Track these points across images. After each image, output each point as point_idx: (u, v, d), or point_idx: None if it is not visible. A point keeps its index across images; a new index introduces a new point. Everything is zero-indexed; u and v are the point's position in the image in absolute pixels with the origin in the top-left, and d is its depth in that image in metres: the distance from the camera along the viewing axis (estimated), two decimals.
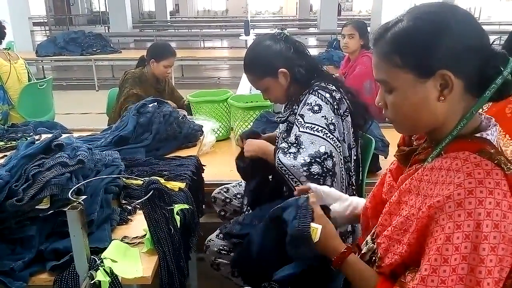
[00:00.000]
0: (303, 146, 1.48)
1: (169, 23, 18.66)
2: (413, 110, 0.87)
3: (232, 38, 13.46)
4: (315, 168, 1.45)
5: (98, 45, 7.58)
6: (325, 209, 1.17)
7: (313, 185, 1.24)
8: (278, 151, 1.53)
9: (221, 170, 2.20)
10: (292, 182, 1.49)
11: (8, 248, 1.16)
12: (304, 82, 1.62)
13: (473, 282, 0.75)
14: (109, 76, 8.32)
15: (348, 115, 1.59)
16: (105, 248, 1.14)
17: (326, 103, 1.53)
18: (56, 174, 1.20)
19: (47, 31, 16.66)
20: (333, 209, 1.20)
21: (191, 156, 1.86)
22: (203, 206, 1.87)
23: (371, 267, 0.97)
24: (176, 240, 1.24)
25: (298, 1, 24.43)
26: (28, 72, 3.47)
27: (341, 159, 1.55)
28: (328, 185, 1.45)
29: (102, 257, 1.09)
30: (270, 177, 1.69)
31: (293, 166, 1.46)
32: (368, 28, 3.39)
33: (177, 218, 1.29)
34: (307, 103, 1.54)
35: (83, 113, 5.83)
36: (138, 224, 1.32)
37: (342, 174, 1.57)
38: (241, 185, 1.99)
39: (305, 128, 1.50)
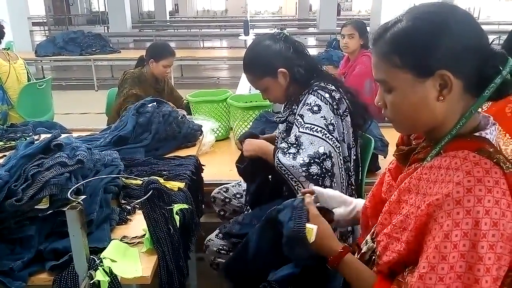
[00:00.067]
0: (302, 147, 1.48)
1: (168, 23, 18.66)
2: (412, 109, 0.87)
3: (231, 38, 13.47)
4: (314, 169, 1.45)
5: (98, 45, 7.59)
6: (326, 211, 1.17)
7: (317, 188, 1.24)
8: (278, 151, 1.53)
9: (220, 170, 2.20)
10: (292, 182, 1.49)
11: (8, 248, 1.15)
12: (304, 82, 1.62)
13: (471, 280, 0.75)
14: (109, 76, 8.33)
15: (347, 115, 1.59)
16: (104, 248, 1.14)
17: (326, 103, 1.53)
18: (55, 174, 1.19)
19: (46, 31, 16.66)
20: (338, 212, 1.20)
21: (190, 156, 1.86)
22: (203, 206, 1.87)
23: (371, 266, 0.97)
24: (176, 239, 1.24)
25: (297, 1, 24.44)
26: (27, 72, 3.47)
27: (340, 159, 1.55)
28: (327, 186, 1.45)
29: (101, 257, 1.09)
30: (270, 177, 1.69)
31: (292, 167, 1.46)
32: (368, 28, 3.40)
33: (177, 218, 1.29)
34: (307, 103, 1.54)
35: (82, 113, 5.83)
36: (138, 224, 1.32)
37: (342, 174, 1.57)
38: (240, 184, 1.99)
39: (304, 128, 1.50)
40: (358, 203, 1.21)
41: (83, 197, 1.05)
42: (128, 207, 1.39)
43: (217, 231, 1.74)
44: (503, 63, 0.82)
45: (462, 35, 0.82)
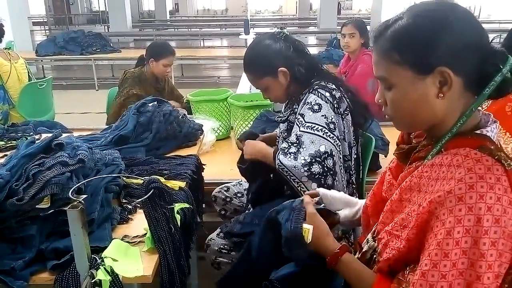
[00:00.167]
0: (303, 146, 1.48)
1: (168, 23, 18.65)
2: (412, 107, 0.88)
3: (231, 37, 13.46)
4: (316, 168, 1.45)
5: (98, 45, 7.59)
6: (329, 213, 1.17)
7: (321, 190, 1.24)
8: (279, 153, 1.52)
9: (221, 169, 2.20)
10: (294, 183, 1.49)
11: (9, 247, 1.16)
12: (304, 81, 1.62)
13: (473, 277, 0.75)
14: (109, 75, 8.32)
15: (348, 114, 1.59)
16: (105, 247, 1.14)
17: (326, 102, 1.53)
18: (56, 173, 1.20)
19: (46, 31, 16.64)
20: (343, 214, 1.20)
21: (191, 155, 1.86)
22: (203, 205, 1.87)
23: (372, 265, 0.97)
24: (177, 239, 1.24)
25: (297, 0, 24.42)
26: (28, 72, 3.47)
27: (340, 158, 1.55)
28: (329, 184, 1.45)
29: (102, 256, 1.10)
30: (272, 175, 1.69)
31: (294, 167, 1.46)
32: (368, 27, 3.39)
33: (178, 217, 1.29)
34: (307, 102, 1.54)
35: (83, 113, 5.83)
36: (139, 223, 1.32)
37: (342, 173, 1.57)
38: (241, 184, 1.99)
39: (305, 127, 1.50)
40: (362, 202, 1.21)
41: (84, 196, 1.05)
42: (129, 206, 1.39)
43: (218, 230, 1.74)
44: (503, 61, 0.82)
45: (462, 32, 0.82)
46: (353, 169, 1.64)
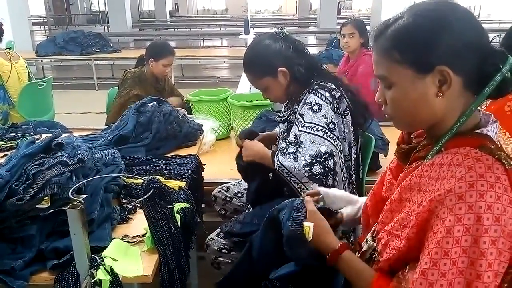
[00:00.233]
0: (303, 146, 1.48)
1: (168, 23, 18.65)
2: (412, 106, 0.88)
3: (231, 37, 13.45)
4: (317, 168, 1.45)
5: (98, 45, 7.59)
6: (330, 212, 1.17)
7: (322, 189, 1.24)
8: (277, 153, 1.52)
9: (221, 169, 2.20)
10: (293, 184, 1.49)
11: (9, 247, 1.16)
12: (304, 81, 1.62)
13: (473, 275, 0.75)
14: (109, 75, 8.32)
15: (348, 114, 1.59)
16: (105, 247, 1.14)
17: (326, 102, 1.53)
18: (56, 173, 1.20)
19: (46, 31, 16.63)
20: (346, 212, 1.20)
21: (191, 155, 1.86)
22: (203, 205, 1.87)
23: (372, 265, 0.97)
24: (177, 238, 1.24)
25: (297, 0, 24.42)
26: (28, 72, 3.47)
27: (341, 158, 1.55)
28: (330, 184, 1.45)
29: (102, 256, 1.10)
30: (271, 175, 1.69)
31: (295, 168, 1.46)
32: (368, 27, 3.39)
33: (178, 216, 1.29)
34: (307, 102, 1.54)
35: (83, 113, 5.83)
36: (139, 223, 1.32)
37: (343, 173, 1.57)
38: (241, 183, 1.99)
39: (305, 127, 1.50)
40: (362, 200, 1.21)
41: (84, 196, 1.05)
42: (129, 206, 1.39)
43: (218, 230, 1.74)
44: (503, 61, 0.82)
45: (462, 32, 0.82)
46: (353, 169, 1.64)
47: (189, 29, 16.50)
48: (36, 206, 1.16)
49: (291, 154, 1.49)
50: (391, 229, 0.89)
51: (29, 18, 10.86)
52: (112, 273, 1.06)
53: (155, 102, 2.04)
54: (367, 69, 3.04)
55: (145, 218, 1.20)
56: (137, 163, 1.75)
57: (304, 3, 22.29)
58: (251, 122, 2.43)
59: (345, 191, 1.53)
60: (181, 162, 1.77)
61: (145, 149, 1.86)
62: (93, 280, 1.03)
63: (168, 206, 1.25)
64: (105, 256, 1.10)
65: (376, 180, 1.11)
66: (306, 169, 1.45)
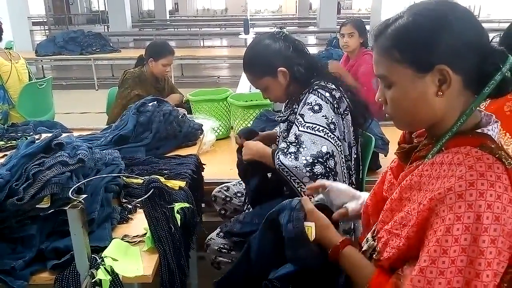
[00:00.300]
0: (303, 146, 1.48)
1: (168, 22, 18.65)
2: (412, 105, 0.88)
3: (231, 37, 13.46)
4: (318, 168, 1.45)
5: (98, 44, 7.59)
6: (325, 207, 1.17)
7: (328, 182, 1.23)
8: (278, 153, 1.52)
9: (221, 168, 2.20)
10: (294, 183, 1.49)
11: (9, 247, 1.16)
12: (304, 81, 1.62)
13: (472, 274, 0.75)
14: (109, 75, 8.32)
15: (348, 114, 1.59)
16: (105, 247, 1.14)
17: (326, 102, 1.53)
18: (56, 173, 1.20)
19: (46, 31, 16.62)
20: (351, 207, 1.20)
21: (191, 155, 1.87)
22: (203, 204, 1.87)
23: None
24: (177, 238, 1.24)
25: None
26: (29, 72, 3.47)
27: (342, 158, 1.55)
28: None
29: (102, 255, 1.10)
30: (269, 174, 1.70)
31: (296, 167, 1.46)
32: (368, 27, 3.39)
33: (178, 216, 1.29)
34: (307, 102, 1.54)
35: (83, 113, 5.83)
36: (139, 223, 1.32)
37: (344, 173, 1.57)
38: (241, 183, 1.99)
39: (305, 127, 1.50)
40: (364, 195, 1.21)
41: (84, 196, 1.05)
42: (129, 206, 1.39)
43: (218, 230, 1.74)
44: (503, 60, 0.82)
45: (462, 31, 0.82)
46: (353, 169, 1.64)
47: (189, 29, 16.50)
48: (36, 206, 1.16)
49: (292, 154, 1.49)
50: (391, 228, 0.89)
51: (29, 18, 10.86)
52: (112, 273, 1.06)
53: (155, 102, 2.04)
54: (368, 69, 3.04)
55: (145, 218, 1.20)
56: (137, 163, 1.75)
57: (304, 3, 22.29)
58: (251, 122, 2.43)
59: None
60: (181, 162, 1.77)
61: (145, 149, 1.86)
62: (93, 280, 1.03)
63: (168, 206, 1.25)
64: (105, 256, 1.10)
65: (376, 180, 1.12)
66: (308, 169, 1.45)
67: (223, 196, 1.98)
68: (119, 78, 3.16)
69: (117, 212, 1.35)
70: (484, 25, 0.87)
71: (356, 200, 1.21)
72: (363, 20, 3.56)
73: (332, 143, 1.49)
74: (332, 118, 1.51)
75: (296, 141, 1.50)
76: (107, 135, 1.93)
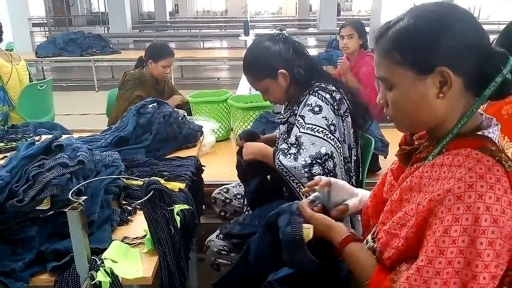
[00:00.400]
0: (303, 147, 1.48)
1: (168, 24, 18.67)
2: (413, 107, 0.88)
3: (231, 39, 13.47)
4: (316, 169, 1.45)
5: (98, 46, 7.59)
6: (323, 208, 1.17)
7: (333, 179, 1.22)
8: (278, 153, 1.53)
9: (221, 170, 2.20)
10: (293, 184, 1.49)
11: (9, 249, 1.16)
12: (304, 82, 1.62)
13: (469, 276, 0.75)
14: (109, 76, 8.33)
15: (348, 116, 1.59)
16: (105, 249, 1.14)
17: (327, 103, 1.53)
18: (56, 174, 1.20)
19: (46, 32, 16.62)
20: (352, 203, 1.19)
21: (191, 156, 1.87)
22: (203, 206, 1.87)
23: None
24: (176, 240, 1.24)
25: (297, 1, 24.44)
26: (29, 74, 3.48)
27: (341, 159, 1.55)
28: None
29: (102, 257, 1.10)
30: (268, 177, 1.70)
31: (294, 168, 1.47)
32: (367, 28, 3.39)
33: (177, 218, 1.29)
34: (308, 104, 1.54)
35: (83, 114, 5.83)
36: (139, 225, 1.32)
37: (343, 175, 1.57)
38: (241, 185, 1.99)
39: (305, 129, 1.50)
40: (363, 194, 1.21)
41: (84, 198, 1.05)
42: (129, 208, 1.39)
43: (217, 231, 1.74)
44: (503, 62, 0.82)
45: (462, 33, 0.82)
46: (353, 171, 1.64)
47: (189, 31, 16.52)
48: (36, 207, 1.16)
49: (292, 155, 1.49)
50: (389, 229, 0.90)
51: (29, 19, 10.87)
52: (112, 274, 1.06)
53: (155, 104, 2.04)
54: (370, 70, 3.04)
55: (145, 219, 1.20)
56: (137, 165, 1.75)
57: (304, 5, 22.30)
58: (251, 124, 2.43)
59: None
60: (181, 164, 1.77)
61: (145, 151, 1.87)
62: (93, 282, 1.03)
63: (168, 208, 1.25)
64: (105, 258, 1.10)
65: (376, 182, 1.12)
66: (306, 169, 1.45)
67: (222, 198, 1.98)
68: (119, 79, 3.16)
69: (117, 214, 1.35)
70: (484, 27, 0.87)
71: (355, 197, 1.21)
72: (363, 22, 3.56)
73: (331, 144, 1.49)
74: (332, 120, 1.52)
75: (297, 142, 1.50)
76: (107, 136, 1.93)
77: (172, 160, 1.82)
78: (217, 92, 2.88)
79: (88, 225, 1.09)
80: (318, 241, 1.05)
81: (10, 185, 1.16)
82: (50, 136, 1.36)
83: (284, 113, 1.75)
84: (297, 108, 1.60)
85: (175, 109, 2.14)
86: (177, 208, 1.32)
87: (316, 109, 1.52)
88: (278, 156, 1.52)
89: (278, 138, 1.79)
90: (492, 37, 0.95)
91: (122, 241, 1.22)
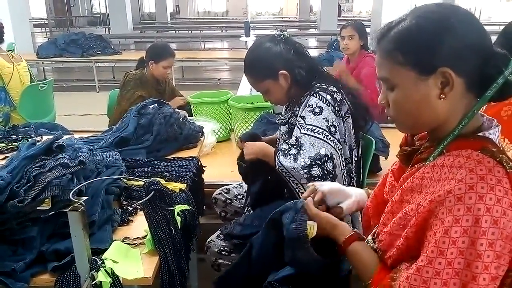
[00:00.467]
0: (303, 148, 1.48)
1: (169, 25, 18.67)
2: (415, 107, 0.88)
3: (232, 39, 13.47)
4: (316, 171, 1.45)
5: (99, 47, 7.60)
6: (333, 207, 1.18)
7: (325, 188, 1.21)
8: (279, 153, 1.53)
9: (221, 171, 2.21)
10: (293, 184, 1.49)
11: (10, 249, 1.16)
12: (305, 83, 1.62)
13: (469, 277, 0.75)
14: (110, 77, 8.33)
15: (349, 117, 1.59)
16: (106, 249, 1.15)
17: (327, 104, 1.53)
18: (57, 175, 1.20)
19: (47, 33, 16.66)
20: (345, 205, 1.19)
21: (191, 157, 1.87)
22: (204, 207, 1.87)
23: None
24: (177, 240, 1.24)
25: (298, 2, 24.43)
26: (30, 74, 3.48)
27: (342, 161, 1.55)
28: None
29: (103, 258, 1.10)
30: (269, 177, 1.69)
31: (294, 169, 1.47)
32: (368, 29, 3.39)
33: (178, 219, 1.30)
34: (308, 105, 1.54)
35: (84, 115, 5.84)
36: (139, 225, 1.32)
37: (344, 176, 1.57)
38: (241, 186, 1.99)
39: (306, 130, 1.50)
40: (358, 194, 1.21)
41: (85, 198, 1.05)
42: (130, 208, 1.39)
43: (218, 232, 1.74)
44: (505, 63, 0.82)
45: (464, 34, 0.82)
46: (353, 171, 1.64)
47: (190, 31, 16.51)
48: (37, 208, 1.16)
49: (292, 156, 1.49)
50: (391, 230, 0.90)
51: (30, 20, 10.88)
52: (112, 275, 1.06)
53: (156, 104, 2.05)
54: (371, 71, 3.04)
55: (145, 220, 1.21)
56: (137, 165, 1.75)
57: (305, 5, 22.28)
58: (252, 124, 2.43)
59: None
60: (182, 164, 1.77)
61: (145, 151, 1.87)
62: (93, 282, 1.03)
63: (169, 208, 1.25)
64: (106, 258, 1.10)
65: (376, 183, 1.12)
66: (305, 170, 1.45)
67: (223, 199, 1.98)
68: (120, 80, 3.16)
69: (117, 214, 1.35)
70: (485, 27, 0.87)
71: (349, 198, 1.21)
72: (364, 23, 3.56)
73: (331, 145, 1.49)
74: (333, 121, 1.52)
75: (297, 143, 1.50)
76: (108, 137, 1.93)
77: (173, 161, 1.82)
78: (218, 92, 2.88)
79: (89, 226, 1.09)
80: (320, 240, 1.05)
81: (11, 186, 1.16)
82: (51, 137, 1.36)
83: (285, 114, 1.75)
84: (297, 109, 1.60)
85: (176, 109, 2.15)
86: (177, 208, 1.32)
87: (317, 110, 1.52)
88: (278, 157, 1.52)
89: (279, 139, 1.79)
90: (494, 38, 0.95)
91: (122, 241, 1.22)
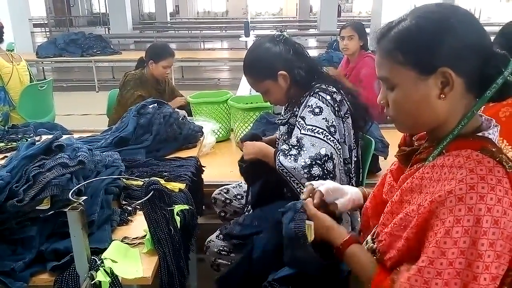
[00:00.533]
0: (304, 148, 1.48)
1: (169, 25, 18.67)
2: (414, 107, 0.88)
3: (232, 39, 13.47)
4: (316, 170, 1.45)
5: (98, 46, 7.59)
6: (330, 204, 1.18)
7: (323, 188, 1.22)
8: (279, 153, 1.53)
9: (221, 171, 2.21)
10: (293, 184, 1.49)
11: (9, 248, 1.16)
12: (304, 84, 1.62)
13: (469, 277, 0.75)
14: (109, 77, 8.33)
15: (348, 117, 1.59)
16: (105, 249, 1.15)
17: (327, 105, 1.53)
18: (56, 174, 1.20)
19: (47, 33, 16.64)
20: (340, 203, 1.19)
21: (191, 157, 1.87)
22: (203, 207, 1.87)
23: None
24: (176, 240, 1.24)
25: (298, 2, 24.44)
26: (30, 74, 3.48)
27: (341, 161, 1.55)
28: None
29: (102, 257, 1.10)
30: (269, 177, 1.69)
31: (294, 168, 1.47)
32: (368, 29, 3.40)
33: (177, 218, 1.30)
34: (308, 105, 1.54)
35: (84, 114, 5.84)
36: (138, 225, 1.32)
37: (342, 176, 1.57)
38: (241, 186, 1.99)
39: (306, 130, 1.50)
40: (353, 192, 1.21)
41: (84, 198, 1.05)
42: (129, 208, 1.39)
43: (217, 232, 1.74)
44: (505, 64, 0.82)
45: (464, 34, 0.83)
46: (353, 172, 1.64)
47: (190, 31, 16.51)
48: (36, 207, 1.16)
49: (292, 156, 1.49)
50: (391, 231, 0.90)
51: (30, 19, 10.86)
52: (111, 274, 1.06)
53: (156, 104, 2.05)
54: (370, 71, 3.04)
55: (145, 220, 1.21)
56: (137, 165, 1.75)
57: (305, 6, 22.29)
58: (251, 124, 2.43)
59: None
60: (181, 164, 1.77)
61: (145, 151, 1.87)
62: (92, 282, 1.03)
63: (168, 208, 1.25)
64: (105, 258, 1.10)
65: (376, 183, 1.12)
66: (305, 170, 1.45)
67: (223, 199, 1.98)
68: (119, 80, 3.16)
69: (117, 214, 1.35)
70: (485, 28, 0.87)
71: (345, 195, 1.21)
72: (364, 23, 3.57)
73: (331, 145, 1.49)
74: (333, 121, 1.52)
75: (298, 144, 1.51)
76: (107, 137, 1.93)
77: (172, 161, 1.82)
78: (217, 92, 2.89)
79: (88, 225, 1.09)
80: (318, 244, 1.05)
81: (10, 185, 1.16)
82: (50, 136, 1.36)
83: (285, 114, 1.75)
84: (297, 109, 1.60)
85: (176, 109, 2.15)
86: (177, 208, 1.32)
87: (317, 110, 1.52)
88: (278, 157, 1.52)
89: (279, 139, 1.79)
90: (493, 39, 0.95)
91: (122, 241, 1.22)
